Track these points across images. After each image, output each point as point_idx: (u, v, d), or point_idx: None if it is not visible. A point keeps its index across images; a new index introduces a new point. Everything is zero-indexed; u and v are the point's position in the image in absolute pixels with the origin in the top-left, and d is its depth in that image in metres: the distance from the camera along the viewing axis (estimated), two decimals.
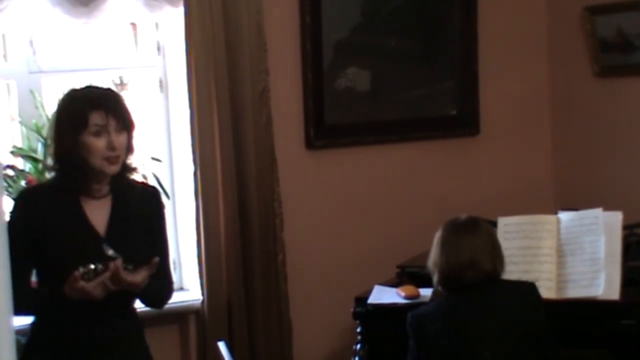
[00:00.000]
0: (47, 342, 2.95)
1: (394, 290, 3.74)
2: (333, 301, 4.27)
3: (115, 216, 2.97)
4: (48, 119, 3.77)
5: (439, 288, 3.28)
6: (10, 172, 3.66)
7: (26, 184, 3.63)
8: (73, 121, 2.90)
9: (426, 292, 3.55)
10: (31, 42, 3.92)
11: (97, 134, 2.89)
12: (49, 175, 3.72)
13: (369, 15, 4.44)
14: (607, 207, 3.62)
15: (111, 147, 2.89)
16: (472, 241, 3.17)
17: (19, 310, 3.09)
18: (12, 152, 3.76)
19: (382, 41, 4.51)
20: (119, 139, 2.91)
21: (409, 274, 3.86)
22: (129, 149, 2.99)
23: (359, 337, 3.72)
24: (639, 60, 4.39)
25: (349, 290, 3.86)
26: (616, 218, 3.58)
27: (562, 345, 3.29)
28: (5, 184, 3.56)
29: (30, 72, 3.91)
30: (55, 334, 2.93)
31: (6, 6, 3.64)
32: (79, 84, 3.08)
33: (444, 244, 3.21)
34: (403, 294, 3.66)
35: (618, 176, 4.56)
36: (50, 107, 3.80)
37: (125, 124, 2.95)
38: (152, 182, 3.75)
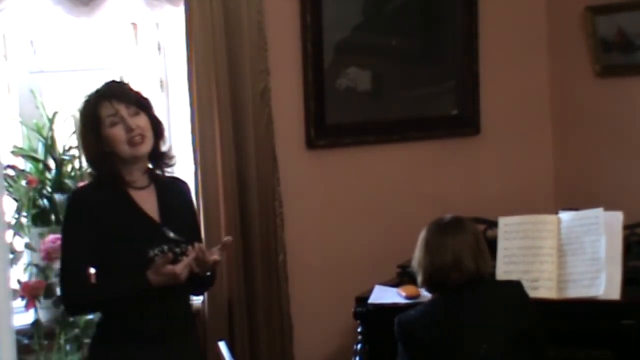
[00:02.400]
0: (115, 333, 3.02)
1: (394, 290, 3.74)
2: (334, 301, 4.27)
3: (163, 203, 3.08)
4: (48, 118, 3.77)
5: (424, 288, 3.27)
6: (11, 172, 3.66)
7: (27, 183, 3.64)
8: (88, 124, 3.00)
9: (426, 292, 3.54)
10: (31, 42, 3.92)
11: (113, 124, 2.96)
12: (49, 175, 3.75)
13: (369, 15, 4.44)
14: (608, 207, 3.62)
15: (128, 128, 2.95)
16: (455, 241, 3.15)
17: (91, 309, 3.19)
18: (12, 152, 3.76)
19: (383, 41, 4.50)
20: (136, 121, 2.98)
21: (410, 274, 3.85)
22: (158, 133, 3.06)
23: (359, 337, 3.72)
24: None
25: (350, 290, 3.86)
26: (617, 218, 3.58)
27: (562, 345, 3.29)
28: (5, 184, 3.56)
29: (31, 72, 3.91)
30: (123, 325, 3.00)
31: (6, 6, 3.64)
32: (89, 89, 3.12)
33: (428, 244, 3.19)
34: (404, 293, 3.66)
35: (619, 176, 4.56)
36: (51, 107, 3.81)
37: (137, 105, 3.01)
38: None
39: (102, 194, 3.00)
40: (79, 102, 3.12)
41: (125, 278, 2.95)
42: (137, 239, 2.98)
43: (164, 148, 3.12)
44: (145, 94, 3.11)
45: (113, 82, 3.12)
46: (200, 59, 3.90)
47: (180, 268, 2.90)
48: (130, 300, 2.95)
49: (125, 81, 3.16)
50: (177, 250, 3.00)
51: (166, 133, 3.19)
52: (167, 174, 3.19)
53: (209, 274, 3.09)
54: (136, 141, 2.97)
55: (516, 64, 4.78)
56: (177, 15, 3.95)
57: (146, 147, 3.01)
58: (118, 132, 2.95)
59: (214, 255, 2.99)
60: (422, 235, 3.24)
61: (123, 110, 2.96)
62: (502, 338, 3.09)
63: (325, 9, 4.29)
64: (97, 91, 3.03)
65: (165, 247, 2.99)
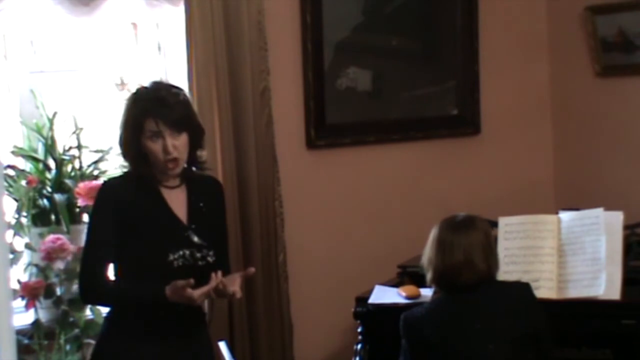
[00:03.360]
0: (123, 330, 3.02)
1: (394, 290, 3.74)
2: (334, 301, 4.27)
3: (192, 205, 3.07)
4: (48, 118, 3.77)
5: (432, 286, 3.26)
6: (11, 172, 3.66)
7: (27, 183, 3.63)
8: (132, 127, 3.00)
9: (427, 292, 3.54)
10: (31, 42, 3.92)
11: (153, 138, 2.97)
12: (49, 175, 3.75)
13: (369, 15, 4.44)
14: (608, 207, 3.62)
15: (166, 151, 2.96)
16: (467, 240, 3.15)
17: (107, 303, 3.18)
18: (12, 152, 3.76)
19: (383, 41, 4.50)
20: (175, 142, 2.98)
21: (410, 274, 3.86)
22: (196, 146, 3.07)
23: (359, 337, 3.71)
24: None
25: (350, 290, 3.85)
26: (617, 218, 3.57)
27: (562, 345, 3.29)
28: (5, 184, 3.56)
29: (31, 72, 3.91)
30: (130, 324, 3.00)
31: (6, 6, 3.64)
32: (146, 83, 3.11)
33: (440, 242, 3.18)
34: (404, 293, 3.66)
35: (619, 176, 4.56)
36: (51, 107, 3.81)
37: (181, 124, 2.99)
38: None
39: (132, 188, 3.01)
40: (130, 93, 3.10)
41: (142, 282, 2.94)
42: (160, 239, 2.98)
43: (199, 154, 3.12)
44: (190, 105, 3.09)
45: (161, 94, 3.02)
46: (201, 59, 3.89)
47: (198, 295, 2.88)
48: (146, 305, 2.94)
49: (174, 91, 3.06)
50: (198, 255, 3.00)
51: (205, 141, 3.16)
52: (208, 173, 3.20)
53: None
54: (169, 165, 2.98)
55: (516, 64, 4.78)
56: (177, 15, 3.95)
57: (178, 169, 3.03)
58: (156, 148, 2.96)
59: (235, 287, 2.95)
60: (434, 232, 3.23)
61: (166, 131, 2.96)
62: (508, 339, 3.09)
63: (325, 9, 4.29)
64: (144, 101, 3.00)
65: (187, 252, 2.99)
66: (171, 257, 2.96)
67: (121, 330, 3.03)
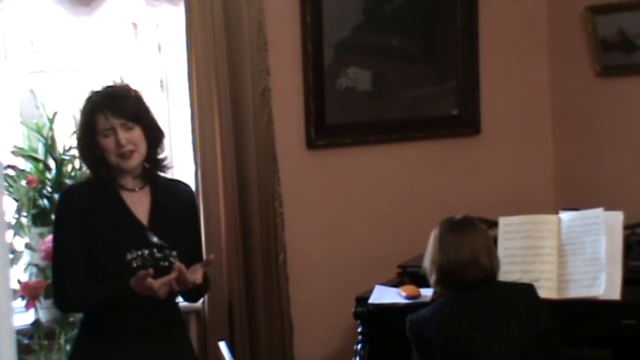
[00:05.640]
0: (97, 333, 3.03)
1: (394, 290, 3.74)
2: (334, 301, 4.27)
3: (155, 207, 3.07)
4: (49, 118, 3.77)
5: (437, 288, 3.26)
6: (11, 172, 3.66)
7: (27, 183, 3.63)
8: (86, 125, 3.03)
9: (427, 292, 3.55)
10: (31, 42, 3.92)
11: (106, 135, 2.99)
12: (49, 175, 3.74)
13: (370, 15, 4.44)
14: (608, 207, 3.62)
15: (118, 143, 2.97)
16: (471, 239, 3.16)
17: (81, 308, 3.17)
18: (12, 152, 3.76)
19: (383, 41, 4.50)
20: (128, 135, 2.99)
21: (410, 274, 3.86)
22: (154, 143, 3.07)
23: (360, 337, 3.71)
24: None
25: (350, 290, 3.85)
26: (617, 218, 3.57)
27: (562, 345, 3.28)
28: (5, 184, 3.56)
29: (31, 72, 3.91)
30: (105, 325, 3.00)
31: (6, 6, 3.64)
32: (97, 86, 3.14)
33: (443, 242, 3.18)
34: (404, 294, 3.66)
35: (619, 176, 4.56)
36: (51, 107, 3.81)
37: (133, 118, 3.01)
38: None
39: (92, 194, 3.03)
40: (80, 101, 3.14)
41: (106, 280, 2.95)
42: (118, 241, 2.99)
43: (160, 155, 3.12)
44: (143, 101, 3.10)
45: (111, 90, 3.09)
46: (200, 59, 3.89)
47: (158, 285, 2.86)
48: (117, 304, 2.93)
49: (125, 87, 3.12)
50: (159, 255, 3.00)
51: (165, 141, 3.16)
52: (170, 176, 3.19)
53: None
54: (125, 155, 2.99)
55: (516, 64, 4.78)
56: (177, 15, 3.95)
57: (134, 162, 3.01)
58: (109, 144, 2.98)
59: (196, 276, 2.93)
60: (435, 233, 3.23)
61: (117, 124, 2.98)
62: (514, 339, 3.09)
63: (325, 9, 4.29)
64: (94, 99, 3.04)
65: (146, 252, 2.98)
66: (129, 256, 2.96)
67: (94, 335, 3.04)
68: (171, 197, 3.12)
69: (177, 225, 3.09)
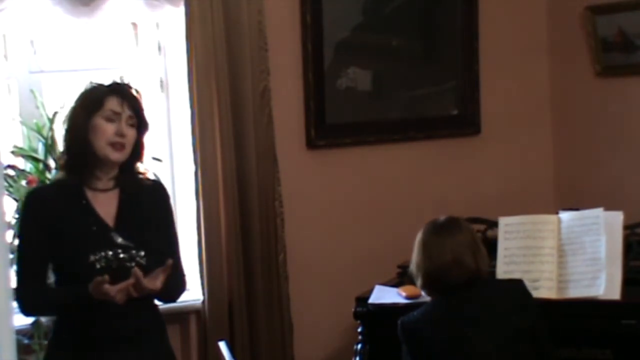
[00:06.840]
0: (70, 338, 2.99)
1: (394, 290, 3.74)
2: (334, 301, 4.27)
3: (123, 208, 3.02)
4: (49, 118, 3.77)
5: (425, 291, 3.25)
6: (11, 172, 3.65)
7: (27, 183, 3.63)
8: (89, 104, 2.98)
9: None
10: (31, 42, 3.92)
11: (109, 119, 2.96)
12: (49, 175, 3.74)
13: (369, 15, 4.44)
14: (608, 207, 3.62)
15: (120, 133, 2.95)
16: (454, 240, 3.13)
17: (43, 311, 3.13)
18: (12, 152, 3.76)
19: (383, 41, 4.50)
20: (129, 131, 2.98)
21: (410, 274, 3.86)
22: (138, 151, 3.04)
23: (360, 337, 3.71)
24: None
25: (350, 290, 3.86)
26: (617, 218, 3.57)
27: (562, 345, 3.29)
28: (5, 184, 3.56)
29: (31, 72, 3.91)
30: (78, 329, 2.96)
31: (6, 6, 3.64)
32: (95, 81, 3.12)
33: (425, 245, 3.17)
34: (404, 293, 3.66)
35: (619, 176, 4.56)
36: (51, 107, 3.81)
37: (138, 120, 3.00)
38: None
39: (58, 195, 2.99)
40: (84, 84, 3.10)
41: (71, 282, 2.92)
42: (81, 241, 2.94)
43: (136, 167, 3.07)
44: (148, 116, 3.08)
45: (129, 85, 3.08)
46: (200, 59, 3.90)
47: (115, 291, 2.81)
48: (79, 307, 2.89)
49: (138, 93, 3.10)
50: (124, 256, 2.94)
51: (144, 159, 3.11)
52: (145, 178, 3.12)
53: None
54: (117, 147, 2.96)
55: (516, 64, 4.78)
56: (177, 15, 3.95)
57: (121, 157, 2.99)
58: (108, 128, 2.94)
59: (155, 282, 2.87)
60: (419, 237, 3.22)
61: (125, 114, 2.97)
62: (504, 336, 3.08)
63: (325, 9, 4.29)
64: (107, 86, 3.03)
65: (110, 253, 2.93)
66: (92, 258, 2.91)
67: (64, 341, 3.00)
68: (141, 197, 3.06)
69: (146, 226, 3.03)
